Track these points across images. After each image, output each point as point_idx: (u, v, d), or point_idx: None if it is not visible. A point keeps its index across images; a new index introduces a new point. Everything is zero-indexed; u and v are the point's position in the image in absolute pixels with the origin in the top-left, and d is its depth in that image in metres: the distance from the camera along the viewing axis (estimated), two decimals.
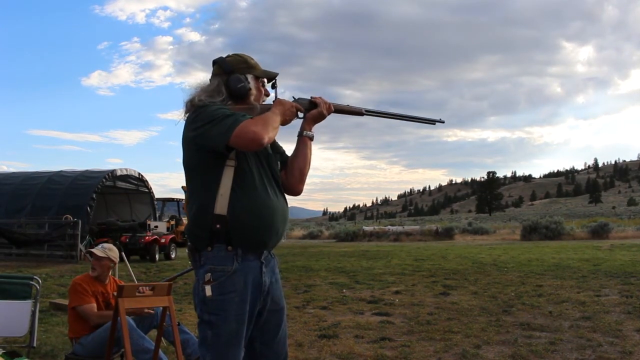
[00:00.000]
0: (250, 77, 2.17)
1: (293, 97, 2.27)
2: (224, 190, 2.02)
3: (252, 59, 2.23)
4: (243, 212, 2.03)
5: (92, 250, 3.79)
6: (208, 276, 2.00)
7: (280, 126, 2.13)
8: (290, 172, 2.27)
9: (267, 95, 2.25)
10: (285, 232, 2.25)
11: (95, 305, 3.65)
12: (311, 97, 2.28)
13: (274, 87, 2.27)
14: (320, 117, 2.27)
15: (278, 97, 2.24)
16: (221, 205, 2.01)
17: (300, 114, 2.25)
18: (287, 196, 2.30)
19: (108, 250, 3.81)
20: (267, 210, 2.08)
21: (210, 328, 2.01)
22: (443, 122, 2.53)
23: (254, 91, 2.18)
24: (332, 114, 2.32)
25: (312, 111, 2.26)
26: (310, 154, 2.29)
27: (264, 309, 2.13)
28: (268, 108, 2.15)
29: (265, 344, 2.17)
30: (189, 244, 2.13)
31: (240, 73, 2.16)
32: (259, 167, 2.12)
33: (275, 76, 2.25)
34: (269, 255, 2.16)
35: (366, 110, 2.39)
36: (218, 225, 2.00)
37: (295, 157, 2.27)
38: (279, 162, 2.28)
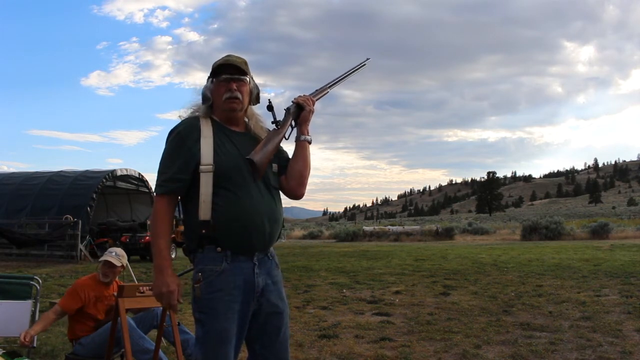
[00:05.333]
0: (208, 83, 2.20)
1: (284, 109, 2.27)
2: (205, 196, 2.06)
3: (220, 59, 2.21)
4: (225, 215, 2.05)
5: (109, 259, 3.75)
6: (199, 276, 2.06)
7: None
8: (290, 177, 2.25)
9: (230, 89, 2.14)
10: (278, 232, 2.21)
11: (60, 310, 3.62)
12: (293, 101, 2.29)
13: (270, 109, 2.24)
14: (309, 114, 2.29)
15: (279, 125, 2.23)
16: (204, 211, 2.06)
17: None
18: (287, 198, 2.30)
19: (121, 257, 3.82)
20: (250, 212, 2.07)
21: (201, 326, 2.06)
22: (369, 58, 2.57)
23: (209, 95, 2.19)
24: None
25: (301, 114, 2.26)
26: (309, 158, 2.28)
27: (260, 310, 2.13)
28: (271, 137, 2.18)
29: (264, 347, 2.17)
30: (184, 246, 2.18)
31: (207, 81, 2.22)
32: (243, 168, 2.10)
33: (215, 67, 2.17)
34: (265, 257, 2.16)
35: (329, 86, 2.44)
36: (204, 231, 2.05)
37: (295, 162, 2.26)
38: (275, 165, 2.24)
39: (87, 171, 18.11)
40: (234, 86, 2.15)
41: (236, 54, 2.24)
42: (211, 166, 2.07)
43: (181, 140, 2.11)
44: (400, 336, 5.07)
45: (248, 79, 2.20)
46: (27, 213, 16.02)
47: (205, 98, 2.20)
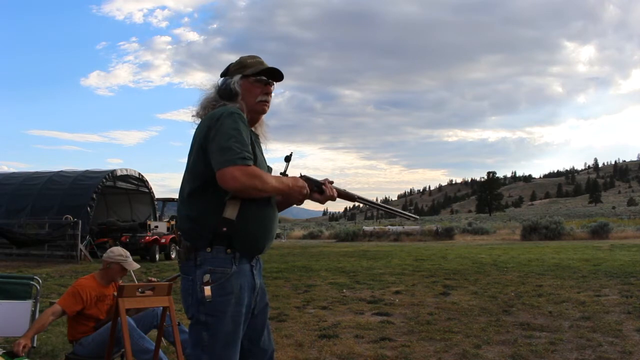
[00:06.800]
0: (237, 78, 2.16)
1: (301, 173, 2.24)
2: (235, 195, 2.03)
3: (253, 58, 2.23)
4: (251, 219, 2.04)
5: (125, 265, 3.76)
6: (207, 277, 1.99)
7: (280, 198, 2.20)
8: None
9: (267, 92, 2.20)
10: None
11: (61, 310, 3.61)
12: (321, 182, 2.24)
13: (287, 160, 2.26)
14: (319, 201, 2.26)
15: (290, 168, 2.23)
16: (231, 210, 2.00)
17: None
18: None
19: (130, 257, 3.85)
20: (270, 219, 2.13)
21: (206, 329, 2.00)
22: (418, 219, 2.67)
23: (238, 90, 2.15)
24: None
25: (315, 195, 2.23)
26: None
27: (255, 308, 2.17)
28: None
29: (252, 342, 2.19)
30: (185, 242, 2.09)
31: (232, 75, 2.18)
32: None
33: (263, 69, 2.18)
34: (256, 259, 2.20)
35: (358, 197, 2.38)
36: (225, 229, 1.99)
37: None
38: None
39: (87, 171, 18.12)
40: (271, 91, 2.21)
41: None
42: None
43: (247, 127, 2.05)
44: (400, 336, 5.07)
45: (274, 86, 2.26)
46: (27, 213, 16.03)
47: (234, 92, 2.14)
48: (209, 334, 1.99)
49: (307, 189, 2.18)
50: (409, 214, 2.60)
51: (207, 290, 1.98)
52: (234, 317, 2.02)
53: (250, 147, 2.01)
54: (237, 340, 2.05)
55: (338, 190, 2.31)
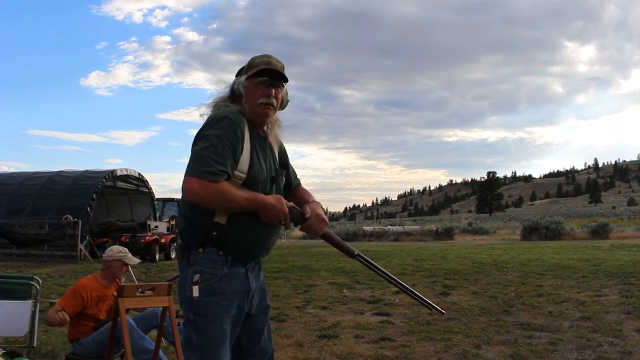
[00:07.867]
0: (242, 79, 2.12)
1: (293, 204, 2.13)
2: None
3: (261, 58, 2.15)
4: (241, 226, 2.01)
5: (126, 260, 3.78)
6: (197, 277, 1.99)
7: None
8: None
9: (269, 95, 2.10)
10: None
11: (60, 310, 3.60)
12: (305, 213, 2.12)
13: (273, 182, 2.16)
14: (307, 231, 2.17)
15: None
16: (221, 214, 1.99)
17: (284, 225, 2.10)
18: None
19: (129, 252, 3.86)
20: (264, 229, 2.06)
21: (194, 329, 2.00)
22: (444, 313, 2.53)
23: (242, 91, 2.10)
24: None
25: (300, 224, 2.14)
26: None
27: (250, 310, 2.15)
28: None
29: (251, 342, 2.18)
30: (179, 241, 2.09)
31: (240, 76, 2.15)
32: (267, 183, 2.09)
33: (260, 69, 2.09)
34: (254, 263, 2.16)
35: (358, 254, 2.28)
36: (215, 233, 1.99)
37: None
38: (283, 179, 2.24)
39: (87, 171, 18.11)
40: (273, 92, 2.11)
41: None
42: (244, 176, 2.01)
43: (237, 134, 1.98)
44: (400, 336, 5.07)
45: (284, 86, 2.18)
46: (27, 213, 16.02)
47: (238, 94, 2.09)
48: (198, 334, 1.99)
49: (287, 217, 2.04)
50: (432, 304, 2.41)
51: (195, 290, 1.98)
52: (223, 319, 2.00)
53: (231, 157, 1.94)
54: (226, 342, 2.02)
55: (332, 238, 2.23)
